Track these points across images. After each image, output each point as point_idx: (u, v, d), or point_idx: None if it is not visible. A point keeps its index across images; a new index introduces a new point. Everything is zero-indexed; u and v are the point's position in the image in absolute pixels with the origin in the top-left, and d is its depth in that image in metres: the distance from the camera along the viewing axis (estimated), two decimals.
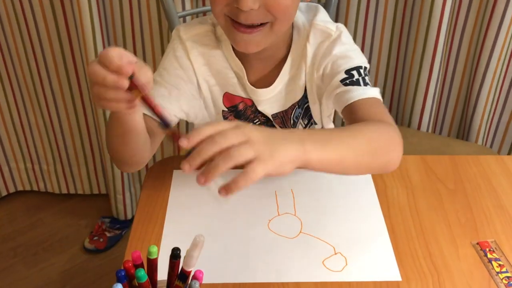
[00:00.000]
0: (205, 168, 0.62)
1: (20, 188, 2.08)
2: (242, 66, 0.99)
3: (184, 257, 0.68)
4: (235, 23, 0.88)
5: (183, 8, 1.51)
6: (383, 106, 0.91)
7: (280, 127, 1.04)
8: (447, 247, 0.90)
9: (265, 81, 1.01)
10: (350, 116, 0.89)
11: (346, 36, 0.98)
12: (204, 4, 1.55)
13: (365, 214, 0.96)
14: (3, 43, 1.72)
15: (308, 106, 1.04)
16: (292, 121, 1.05)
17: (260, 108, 1.02)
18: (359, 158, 0.77)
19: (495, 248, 0.90)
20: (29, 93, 1.82)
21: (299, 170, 1.05)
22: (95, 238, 1.90)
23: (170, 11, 1.36)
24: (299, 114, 1.05)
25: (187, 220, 0.94)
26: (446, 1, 1.46)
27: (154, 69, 1.67)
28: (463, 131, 1.76)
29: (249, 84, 1.00)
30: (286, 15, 0.88)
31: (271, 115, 1.03)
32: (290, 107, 1.03)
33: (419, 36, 1.55)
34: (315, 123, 1.08)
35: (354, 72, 0.92)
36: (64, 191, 2.06)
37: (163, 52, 1.66)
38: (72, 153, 1.97)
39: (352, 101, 0.89)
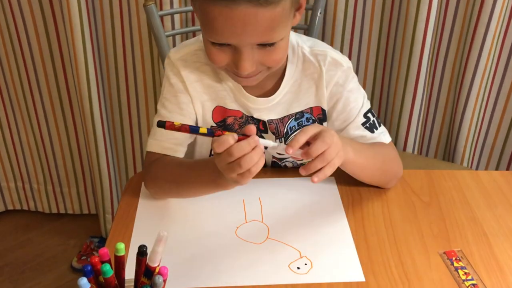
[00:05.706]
0: (311, 166, 0.82)
1: (10, 207, 2.09)
2: (238, 83, 1.03)
3: (150, 253, 0.69)
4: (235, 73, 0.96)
5: (173, 28, 1.55)
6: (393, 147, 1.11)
7: (273, 132, 1.07)
8: (419, 257, 0.91)
9: (261, 90, 1.05)
10: None
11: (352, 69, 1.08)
12: (193, 24, 1.58)
13: (330, 220, 0.99)
14: None
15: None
16: (285, 130, 1.08)
17: (255, 115, 1.05)
18: (374, 172, 1.03)
19: (461, 257, 0.90)
20: (21, 112, 1.85)
21: (266, 179, 1.07)
22: (83, 257, 1.89)
23: (158, 31, 1.40)
24: (293, 127, 1.08)
25: (155, 229, 0.95)
26: (428, 24, 1.49)
27: (145, 90, 1.73)
28: (448, 153, 1.76)
29: (248, 94, 1.04)
30: (280, 63, 0.97)
31: (267, 120, 1.06)
32: (286, 116, 1.07)
33: (402, 60, 1.57)
34: None
35: (370, 115, 1.07)
36: (54, 210, 2.07)
37: (153, 74, 1.70)
38: (62, 173, 1.98)
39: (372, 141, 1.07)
